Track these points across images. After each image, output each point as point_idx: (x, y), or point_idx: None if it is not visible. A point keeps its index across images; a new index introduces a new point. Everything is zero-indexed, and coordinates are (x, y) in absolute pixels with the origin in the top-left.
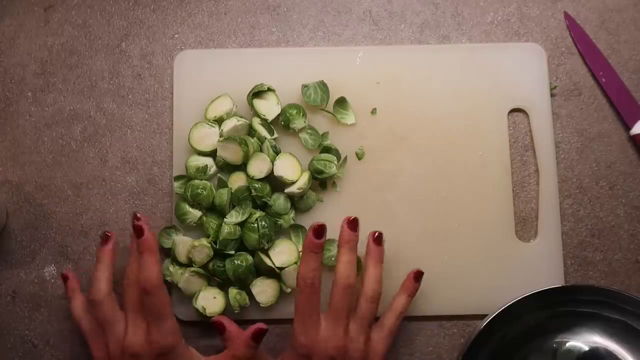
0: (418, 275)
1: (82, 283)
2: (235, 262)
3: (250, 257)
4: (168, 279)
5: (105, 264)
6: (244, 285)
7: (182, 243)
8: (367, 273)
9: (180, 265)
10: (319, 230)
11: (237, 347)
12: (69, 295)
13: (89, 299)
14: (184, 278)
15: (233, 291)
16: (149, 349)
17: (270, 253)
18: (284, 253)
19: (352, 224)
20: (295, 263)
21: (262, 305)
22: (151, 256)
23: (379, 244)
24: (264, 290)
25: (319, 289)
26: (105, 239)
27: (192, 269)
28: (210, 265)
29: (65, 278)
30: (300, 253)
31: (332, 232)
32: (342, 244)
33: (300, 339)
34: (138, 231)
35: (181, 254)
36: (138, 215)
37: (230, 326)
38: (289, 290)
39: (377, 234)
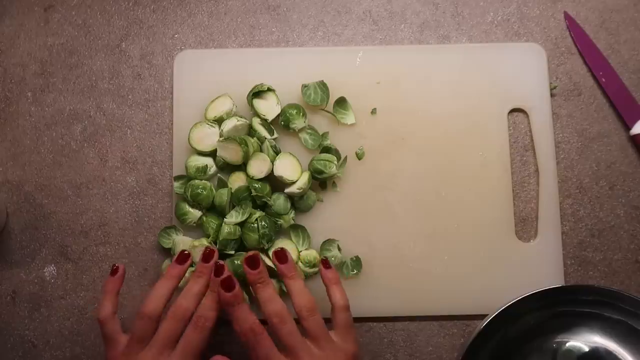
0: (326, 263)
1: (82, 283)
2: (235, 262)
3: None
4: None
5: (113, 294)
6: (244, 285)
7: (182, 243)
8: (290, 293)
9: None
10: (229, 284)
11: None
12: (106, 293)
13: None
14: (183, 278)
15: (231, 264)
16: None
17: (270, 253)
18: None
19: (250, 262)
20: (296, 263)
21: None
22: (243, 306)
23: (283, 262)
24: None
25: (262, 331)
26: (114, 271)
27: (192, 268)
28: None
29: (114, 271)
30: (300, 254)
31: (333, 232)
32: (251, 284)
33: None
34: (219, 269)
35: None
36: (210, 249)
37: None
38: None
39: (274, 253)
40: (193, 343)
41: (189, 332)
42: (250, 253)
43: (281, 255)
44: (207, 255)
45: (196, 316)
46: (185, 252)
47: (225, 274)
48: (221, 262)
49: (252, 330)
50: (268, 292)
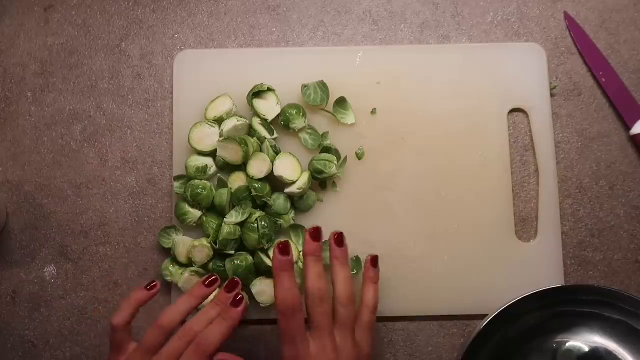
0: (375, 261)
1: (82, 283)
2: (235, 262)
3: (250, 257)
4: (168, 279)
5: (136, 305)
6: (244, 286)
7: (182, 243)
8: (336, 277)
9: (180, 265)
10: (284, 248)
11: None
12: (130, 302)
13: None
14: (183, 278)
15: (230, 264)
16: None
17: (270, 253)
18: None
19: (315, 234)
20: (296, 263)
21: (261, 305)
22: (230, 328)
23: (341, 245)
24: (263, 290)
25: (300, 309)
26: (152, 287)
27: (192, 268)
28: (210, 265)
29: (151, 287)
30: (300, 254)
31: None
32: (306, 255)
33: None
34: (236, 302)
35: (181, 254)
36: (236, 279)
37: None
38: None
39: (337, 235)
40: (150, 344)
41: (189, 352)
42: (282, 240)
43: (340, 240)
44: (231, 285)
45: (199, 338)
46: (214, 277)
47: (242, 306)
48: (241, 294)
49: (292, 305)
50: (318, 268)
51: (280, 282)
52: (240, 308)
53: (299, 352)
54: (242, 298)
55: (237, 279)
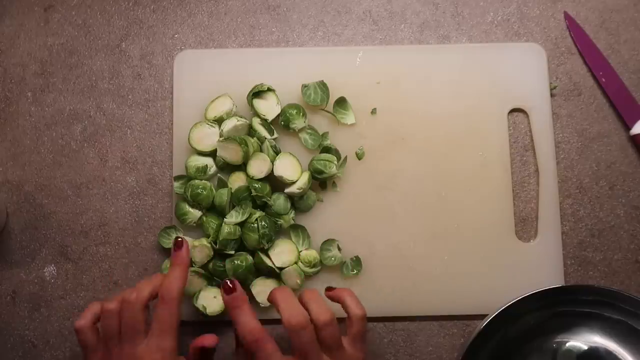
0: (329, 289)
1: (82, 283)
2: (235, 262)
3: (250, 257)
4: None
5: (185, 271)
6: (244, 286)
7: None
8: (308, 304)
9: None
10: (228, 288)
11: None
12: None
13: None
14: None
15: (231, 264)
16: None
17: (271, 253)
18: (284, 253)
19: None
20: (295, 263)
21: (261, 305)
22: (181, 270)
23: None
24: (263, 290)
25: (268, 339)
26: (180, 245)
27: (193, 268)
28: (210, 265)
29: (179, 247)
30: (300, 254)
31: (333, 232)
32: (272, 293)
33: None
34: (178, 244)
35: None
36: (180, 238)
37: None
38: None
39: (226, 284)
40: (164, 319)
41: (159, 306)
42: (229, 280)
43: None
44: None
45: (161, 290)
46: (179, 238)
47: (184, 246)
48: (180, 237)
49: (253, 336)
50: (286, 297)
51: (237, 316)
52: (183, 248)
53: None
54: (181, 240)
55: (182, 239)
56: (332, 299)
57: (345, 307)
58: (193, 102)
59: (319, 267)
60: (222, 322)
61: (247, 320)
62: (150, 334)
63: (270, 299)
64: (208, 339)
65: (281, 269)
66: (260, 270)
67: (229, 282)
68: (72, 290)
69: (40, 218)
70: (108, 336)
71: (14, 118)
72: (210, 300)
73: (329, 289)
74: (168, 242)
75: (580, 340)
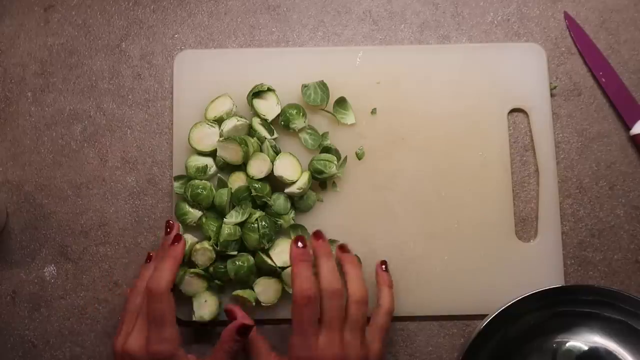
0: (384, 264)
1: (82, 283)
2: (237, 262)
3: (251, 258)
4: None
5: (177, 265)
6: (246, 286)
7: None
8: (349, 277)
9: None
10: (300, 238)
11: (224, 341)
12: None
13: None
14: (184, 279)
15: (232, 265)
16: (146, 356)
17: (271, 253)
18: (284, 252)
19: (317, 235)
20: None
21: (263, 304)
22: (173, 264)
23: (347, 251)
24: (265, 289)
25: (316, 301)
26: (177, 239)
27: (193, 270)
28: (211, 267)
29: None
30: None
31: (333, 232)
32: (318, 255)
33: (300, 353)
34: (176, 238)
35: None
36: (171, 221)
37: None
38: (291, 290)
39: (341, 245)
40: (157, 312)
41: (148, 304)
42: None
43: (346, 248)
44: (300, 240)
45: (149, 283)
46: (171, 223)
47: (181, 242)
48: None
49: (308, 296)
50: (331, 265)
51: (297, 272)
52: (180, 244)
53: (307, 343)
54: (179, 236)
55: (171, 220)
56: (377, 279)
57: (379, 295)
58: (193, 102)
59: (376, 267)
60: (221, 322)
61: (307, 279)
62: (149, 331)
63: (315, 263)
64: (247, 319)
65: (283, 268)
66: (262, 270)
67: (300, 235)
68: (72, 290)
69: (40, 218)
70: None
71: (14, 118)
72: (202, 305)
73: (383, 264)
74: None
75: (580, 340)
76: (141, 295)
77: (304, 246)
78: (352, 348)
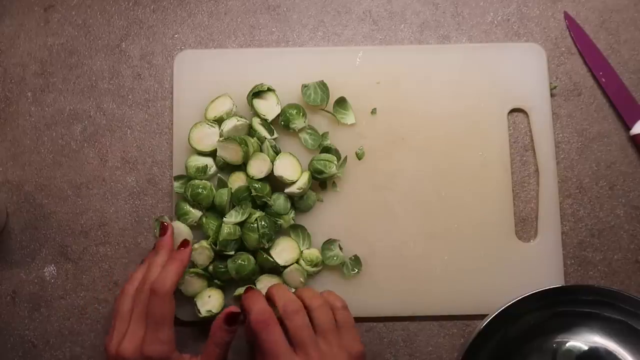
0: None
1: (82, 283)
2: (237, 261)
3: (251, 257)
4: None
5: (183, 268)
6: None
7: (176, 227)
8: (301, 292)
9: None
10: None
11: (214, 334)
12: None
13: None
14: (184, 279)
15: (233, 264)
16: (140, 357)
17: (272, 252)
18: (285, 251)
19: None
20: (297, 261)
21: None
22: (180, 267)
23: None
24: (267, 287)
25: (276, 323)
26: (164, 229)
27: (193, 270)
28: (211, 267)
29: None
30: (302, 253)
31: (333, 232)
32: (269, 293)
33: None
34: (183, 244)
35: (177, 241)
36: (165, 223)
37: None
38: (292, 290)
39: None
40: (158, 312)
41: (151, 300)
42: (230, 310)
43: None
44: (164, 229)
45: (154, 284)
46: (165, 223)
47: (189, 246)
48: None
49: (264, 320)
50: (281, 288)
51: (252, 301)
52: (187, 249)
53: None
54: (187, 241)
55: (165, 222)
56: (310, 302)
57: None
58: (193, 102)
59: (320, 267)
60: None
61: (258, 303)
62: (146, 331)
63: (268, 294)
64: (234, 308)
65: (285, 267)
66: (263, 269)
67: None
68: (72, 290)
69: (40, 218)
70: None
71: (14, 118)
72: (206, 300)
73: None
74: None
75: (580, 340)
76: (132, 298)
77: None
78: (330, 355)
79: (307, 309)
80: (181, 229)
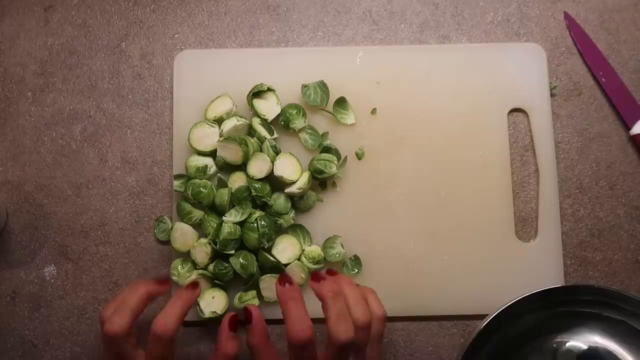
0: (332, 272)
1: (82, 283)
2: (241, 260)
3: (253, 256)
4: (175, 278)
5: (187, 310)
6: (255, 284)
7: (181, 230)
8: (349, 302)
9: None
10: (287, 279)
11: (220, 342)
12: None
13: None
14: (190, 280)
15: (237, 259)
16: None
17: (274, 252)
18: (287, 249)
19: (284, 280)
20: (299, 258)
21: (265, 299)
22: (184, 308)
23: (282, 285)
24: (270, 286)
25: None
26: (195, 285)
27: (199, 271)
28: (211, 267)
29: (163, 282)
30: (304, 250)
31: (333, 232)
32: (282, 303)
33: None
34: (192, 285)
35: (177, 240)
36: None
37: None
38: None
39: (281, 280)
40: (158, 356)
41: (150, 346)
42: (284, 274)
43: (317, 277)
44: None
45: (155, 326)
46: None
47: (197, 289)
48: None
49: (303, 332)
50: (300, 310)
51: (289, 311)
52: (196, 291)
53: None
54: (197, 283)
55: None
56: (363, 292)
57: (369, 304)
58: (193, 102)
59: (322, 264)
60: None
61: (301, 316)
62: None
63: (279, 298)
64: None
65: (287, 265)
66: (265, 268)
67: (283, 276)
68: (72, 290)
69: (40, 218)
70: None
71: (14, 118)
72: (212, 302)
73: (331, 272)
74: (163, 235)
75: (580, 340)
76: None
77: (290, 282)
78: None
79: (354, 322)
80: (186, 230)
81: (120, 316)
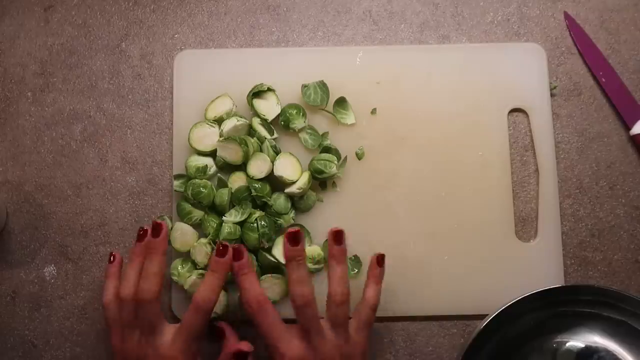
0: (380, 260)
1: (82, 283)
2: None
3: (253, 256)
4: (175, 278)
5: (223, 280)
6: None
7: (181, 230)
8: (331, 276)
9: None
10: (295, 236)
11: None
12: (106, 278)
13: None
14: (189, 281)
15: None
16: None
17: (274, 252)
18: None
19: (293, 237)
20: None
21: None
22: (221, 279)
23: (339, 243)
24: (271, 286)
25: (268, 302)
26: (113, 259)
27: (199, 271)
28: None
29: (112, 259)
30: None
31: None
32: (287, 260)
33: (285, 354)
34: (220, 252)
35: (177, 240)
36: (158, 221)
37: (230, 336)
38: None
39: (336, 232)
40: (194, 326)
41: (189, 315)
42: (294, 229)
43: (339, 237)
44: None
45: (196, 298)
46: (222, 246)
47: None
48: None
49: (257, 301)
50: (301, 272)
51: (243, 286)
52: (227, 257)
53: (290, 344)
54: (238, 248)
55: (224, 243)
56: (368, 271)
57: (366, 288)
58: (193, 102)
59: (322, 264)
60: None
61: (252, 287)
62: (178, 333)
63: (286, 261)
64: (245, 345)
65: None
66: (265, 268)
67: (232, 248)
68: (72, 290)
69: (40, 218)
70: (125, 323)
71: (14, 118)
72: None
73: (379, 259)
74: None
75: (580, 340)
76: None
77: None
78: (335, 349)
79: (328, 298)
80: (186, 230)
81: (149, 282)
